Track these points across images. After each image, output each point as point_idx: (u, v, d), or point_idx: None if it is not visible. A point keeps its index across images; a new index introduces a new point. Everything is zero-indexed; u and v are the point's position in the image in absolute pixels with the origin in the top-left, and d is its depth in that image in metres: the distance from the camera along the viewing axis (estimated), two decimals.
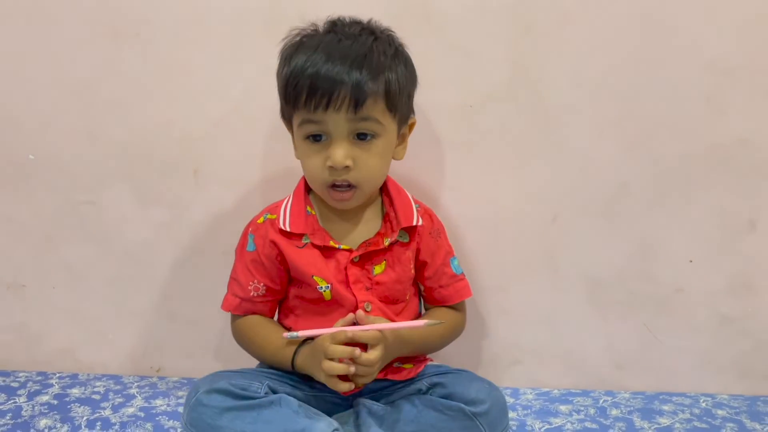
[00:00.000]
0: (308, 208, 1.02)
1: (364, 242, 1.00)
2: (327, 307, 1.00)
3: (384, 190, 1.05)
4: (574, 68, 1.17)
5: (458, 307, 1.09)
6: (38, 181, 1.23)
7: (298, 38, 0.97)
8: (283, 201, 1.04)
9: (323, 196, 0.98)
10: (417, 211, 1.03)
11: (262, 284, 1.02)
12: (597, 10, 1.15)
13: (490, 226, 1.22)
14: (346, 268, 0.99)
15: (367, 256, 1.00)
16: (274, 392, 0.93)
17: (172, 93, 1.20)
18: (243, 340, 1.05)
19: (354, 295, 0.99)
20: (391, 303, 1.03)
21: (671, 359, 1.24)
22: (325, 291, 0.99)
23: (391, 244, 1.01)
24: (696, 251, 1.21)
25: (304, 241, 0.99)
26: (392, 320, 1.00)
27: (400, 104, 0.95)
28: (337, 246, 0.99)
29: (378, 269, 1.01)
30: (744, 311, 1.22)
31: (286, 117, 0.99)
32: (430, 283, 1.07)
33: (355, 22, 0.98)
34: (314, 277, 0.98)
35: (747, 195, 1.20)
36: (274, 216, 1.01)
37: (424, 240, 1.04)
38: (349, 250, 1.00)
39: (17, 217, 1.25)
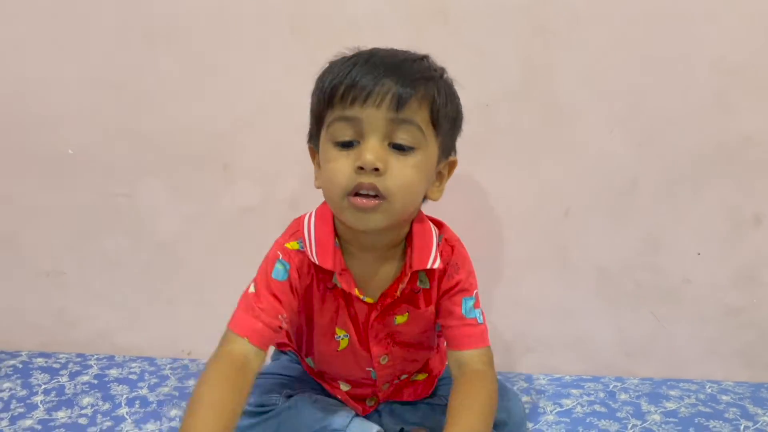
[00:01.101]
0: (336, 240, 0.88)
1: (382, 294, 0.90)
2: (340, 353, 0.93)
3: (409, 231, 0.91)
4: (585, 67, 1.22)
5: (469, 359, 0.90)
6: (76, 174, 1.30)
7: (339, 57, 0.85)
8: (303, 219, 0.92)
9: (341, 209, 0.82)
10: (437, 249, 0.90)
11: (286, 316, 0.87)
12: (608, 11, 1.19)
13: (504, 220, 1.28)
14: (366, 324, 0.91)
15: (388, 308, 0.91)
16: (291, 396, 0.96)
17: (202, 91, 1.27)
18: (216, 368, 0.80)
19: (370, 352, 0.93)
20: (415, 349, 0.97)
21: (678, 348, 1.29)
22: (342, 339, 0.92)
23: (406, 292, 0.90)
24: (703, 244, 1.26)
25: (334, 281, 0.89)
26: (410, 361, 0.97)
27: (444, 124, 0.83)
28: (361, 297, 0.89)
29: (400, 319, 0.92)
30: (749, 302, 1.27)
31: (315, 132, 0.87)
32: (441, 320, 0.94)
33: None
34: (336, 328, 0.92)
35: (753, 191, 1.24)
36: (299, 245, 0.89)
37: (443, 279, 0.92)
38: (371, 304, 0.90)
39: (57, 209, 1.32)
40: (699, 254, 1.26)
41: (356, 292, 0.87)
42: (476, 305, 0.92)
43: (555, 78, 1.22)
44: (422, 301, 0.92)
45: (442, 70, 0.86)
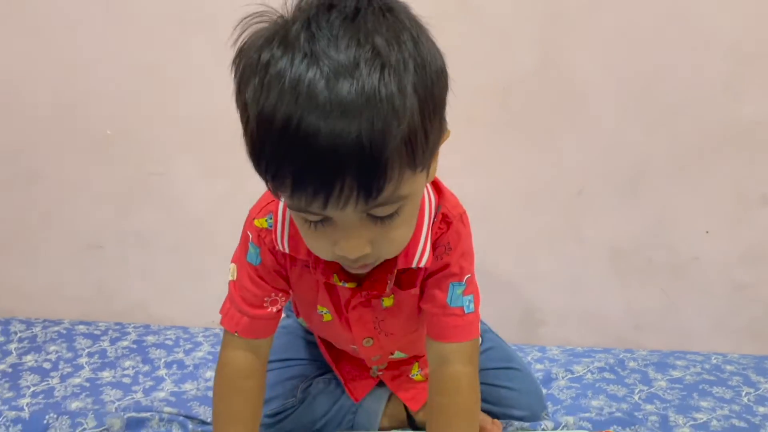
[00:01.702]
0: None
1: (368, 279, 0.78)
2: (326, 324, 0.88)
3: None
4: (600, 52, 1.26)
5: (450, 354, 0.79)
6: (114, 154, 1.38)
7: (258, 55, 0.62)
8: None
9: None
10: (427, 236, 0.77)
11: (281, 296, 0.82)
12: None
13: (520, 199, 1.34)
14: (346, 307, 0.83)
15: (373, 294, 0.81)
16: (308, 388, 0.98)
17: (231, 76, 1.33)
18: (220, 383, 0.82)
19: (351, 333, 0.86)
20: (406, 333, 0.89)
21: (687, 322, 1.34)
22: (325, 314, 0.86)
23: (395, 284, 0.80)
24: (712, 223, 1.31)
25: (315, 277, 0.80)
26: (398, 342, 0.90)
27: (428, 150, 0.62)
28: (340, 284, 0.79)
29: (387, 302, 0.83)
30: (756, 279, 1.32)
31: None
32: (422, 304, 0.82)
33: (340, 18, 0.58)
34: (318, 305, 0.86)
35: (761, 172, 1.29)
36: (273, 221, 0.79)
37: (431, 260, 0.78)
38: (353, 290, 0.80)
39: (96, 186, 1.40)
40: (708, 233, 1.31)
41: (335, 279, 0.78)
42: (466, 292, 0.79)
43: (571, 62, 1.27)
44: (407, 280, 0.80)
45: (402, 44, 0.58)
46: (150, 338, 1.30)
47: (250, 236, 0.80)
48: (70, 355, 1.21)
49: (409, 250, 0.74)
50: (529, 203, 1.34)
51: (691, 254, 1.32)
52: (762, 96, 1.26)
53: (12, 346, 1.24)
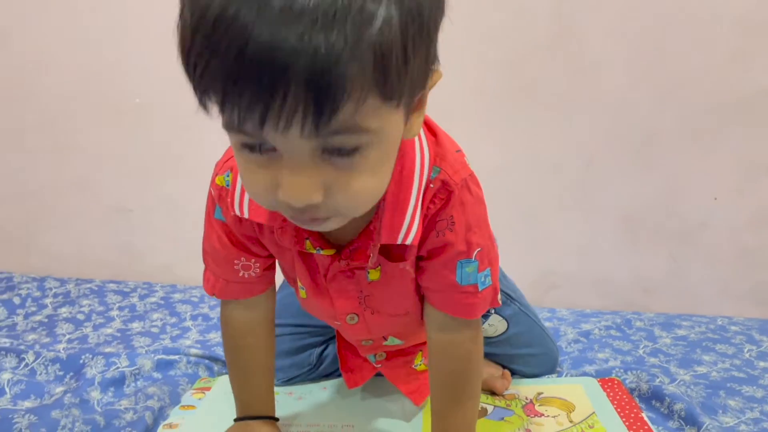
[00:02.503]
0: None
1: (348, 246, 0.68)
2: (305, 301, 0.78)
3: None
4: (611, 25, 1.30)
5: (452, 326, 0.72)
6: (143, 121, 1.44)
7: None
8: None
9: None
10: (415, 209, 0.64)
11: (254, 261, 0.73)
12: None
13: (533, 168, 1.38)
14: (326, 277, 0.71)
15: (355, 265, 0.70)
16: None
17: None
18: (226, 339, 0.80)
19: (333, 307, 0.75)
20: (392, 315, 0.77)
21: (694, 286, 1.38)
22: (301, 290, 0.76)
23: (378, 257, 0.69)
24: (720, 190, 1.35)
25: (281, 244, 0.70)
26: (386, 324, 0.79)
27: (405, 79, 0.49)
28: (314, 251, 0.68)
29: (373, 275, 0.71)
30: (763, 244, 1.35)
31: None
32: (425, 283, 0.72)
33: None
34: (297, 278, 0.75)
35: (767, 140, 1.32)
36: (232, 178, 0.68)
37: (428, 235, 0.67)
38: (331, 257, 0.69)
39: (124, 153, 1.46)
40: (716, 199, 1.35)
41: (308, 246, 0.68)
42: (480, 268, 0.68)
43: (582, 34, 1.31)
44: (396, 253, 0.69)
45: None
46: (176, 295, 1.37)
47: (213, 193, 0.70)
48: (101, 308, 1.28)
49: (394, 222, 0.64)
50: (542, 171, 1.38)
51: (699, 220, 1.36)
52: None
53: (47, 301, 1.31)
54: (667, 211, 1.37)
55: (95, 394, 0.92)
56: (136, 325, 1.21)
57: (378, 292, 0.72)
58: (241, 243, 0.72)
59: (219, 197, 0.69)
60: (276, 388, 0.85)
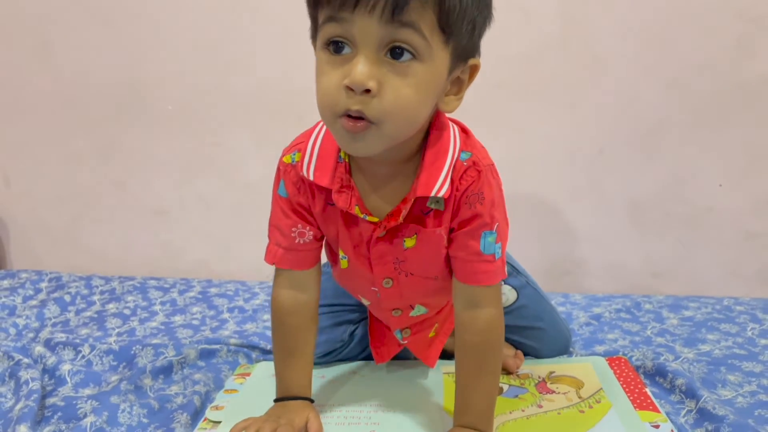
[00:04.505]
0: (341, 153, 0.80)
1: (389, 213, 0.81)
2: (344, 271, 0.89)
3: (425, 142, 0.79)
4: (618, 20, 1.37)
5: (479, 297, 0.82)
6: (176, 127, 1.54)
7: None
8: (314, 130, 0.84)
9: (334, 133, 0.72)
10: (449, 171, 0.77)
11: (307, 229, 0.85)
12: None
13: (545, 158, 1.45)
14: (369, 243, 0.83)
15: (394, 230, 0.81)
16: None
17: (279, 52, 1.47)
18: (274, 319, 0.90)
19: (372, 272, 0.86)
20: (423, 278, 0.87)
21: (701, 270, 1.45)
22: (342, 259, 0.87)
23: (422, 211, 0.80)
24: (725, 176, 1.41)
25: (337, 206, 0.81)
26: (418, 288, 0.89)
27: (457, 27, 0.67)
28: (361, 216, 0.80)
29: (409, 242, 0.82)
30: (767, 228, 1.41)
31: (312, 31, 0.74)
32: (453, 252, 0.83)
33: None
34: (339, 248, 0.86)
35: None
36: (296, 158, 0.82)
37: (461, 207, 0.79)
38: (375, 224, 0.81)
39: (160, 157, 1.56)
40: (721, 185, 1.41)
41: (356, 210, 0.79)
42: (497, 240, 0.80)
43: (591, 30, 1.38)
44: (431, 220, 0.81)
45: None
46: (213, 290, 1.47)
47: (280, 169, 0.85)
48: (145, 303, 1.39)
49: (429, 180, 0.76)
50: (554, 161, 1.46)
51: (706, 206, 1.42)
52: None
53: (95, 298, 1.42)
54: (675, 197, 1.43)
55: (147, 381, 1.01)
56: (178, 318, 1.31)
57: (412, 256, 0.83)
58: (298, 212, 0.84)
59: (284, 172, 0.83)
60: None
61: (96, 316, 1.32)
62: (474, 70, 0.75)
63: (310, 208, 0.84)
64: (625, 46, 1.38)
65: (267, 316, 1.31)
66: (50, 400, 0.96)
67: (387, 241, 0.82)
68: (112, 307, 1.37)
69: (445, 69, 0.70)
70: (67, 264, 1.61)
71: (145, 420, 0.91)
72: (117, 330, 1.25)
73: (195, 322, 1.29)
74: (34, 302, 1.36)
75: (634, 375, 1.02)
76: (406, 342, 0.99)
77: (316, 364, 0.94)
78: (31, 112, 1.57)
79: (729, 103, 1.38)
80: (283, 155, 0.84)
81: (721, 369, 1.05)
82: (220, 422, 0.90)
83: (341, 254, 0.86)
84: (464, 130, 0.83)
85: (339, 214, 0.82)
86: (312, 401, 0.91)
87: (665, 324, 1.24)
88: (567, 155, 1.45)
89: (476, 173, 0.78)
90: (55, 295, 1.40)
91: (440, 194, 0.76)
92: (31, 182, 1.62)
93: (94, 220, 1.62)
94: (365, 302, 0.96)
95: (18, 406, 0.91)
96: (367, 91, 0.66)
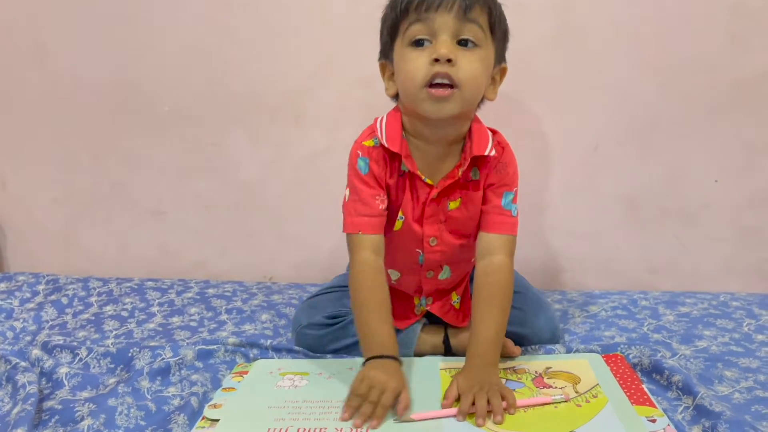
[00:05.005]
0: (403, 132, 1.04)
1: (442, 179, 1.04)
2: (395, 234, 1.07)
3: (468, 129, 1.05)
4: (612, 17, 1.37)
5: (495, 244, 1.04)
6: (172, 128, 1.54)
7: None
8: (375, 123, 1.06)
9: (418, 100, 0.97)
10: (492, 142, 1.04)
11: (384, 196, 1.04)
12: None
13: (541, 155, 1.46)
14: (424, 204, 1.05)
15: (444, 192, 1.04)
16: None
17: (274, 52, 1.47)
18: (361, 280, 1.02)
19: (422, 230, 1.06)
20: (461, 236, 1.08)
21: (698, 265, 1.46)
22: (399, 220, 1.06)
23: (466, 180, 1.04)
24: (720, 172, 1.41)
25: (402, 167, 1.03)
26: (455, 246, 1.08)
27: (498, 31, 0.99)
28: (423, 178, 1.03)
29: (453, 204, 1.05)
30: (763, 223, 1.42)
31: (389, 45, 1.01)
32: (482, 206, 1.07)
33: None
34: (400, 210, 1.05)
35: (766, 122, 1.38)
36: (378, 142, 1.04)
37: (491, 173, 1.06)
38: (431, 186, 1.03)
39: (157, 158, 1.56)
40: (716, 181, 1.41)
41: (418, 172, 1.02)
42: (514, 200, 1.06)
43: (585, 28, 1.38)
44: (472, 187, 1.05)
45: None
46: (211, 290, 1.47)
47: (360, 153, 1.04)
48: (143, 305, 1.39)
49: (480, 144, 1.02)
50: (550, 158, 1.46)
51: (702, 202, 1.43)
52: (766, 48, 1.35)
53: (93, 299, 1.42)
54: (671, 193, 1.44)
55: (145, 383, 1.01)
56: (175, 320, 1.31)
57: (456, 216, 1.06)
58: (378, 183, 1.04)
59: (367, 153, 1.04)
60: (307, 369, 1.05)
61: (93, 318, 1.32)
62: (503, 72, 1.05)
63: (386, 180, 1.04)
64: (620, 43, 1.38)
65: (265, 316, 1.31)
66: (47, 404, 0.96)
67: (437, 203, 1.05)
68: (109, 309, 1.37)
69: (492, 59, 0.99)
70: (64, 266, 1.61)
71: (142, 422, 0.91)
72: (114, 332, 1.25)
73: (193, 324, 1.29)
74: (31, 305, 1.36)
75: (630, 372, 1.02)
76: (428, 307, 1.15)
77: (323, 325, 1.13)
78: (26, 114, 1.57)
79: (724, 98, 1.38)
80: (360, 141, 1.05)
81: (718, 365, 1.05)
82: (218, 420, 0.91)
83: (400, 215, 1.06)
84: (492, 130, 1.07)
85: (406, 181, 1.04)
86: (400, 363, 0.96)
87: (662, 320, 1.25)
88: (562, 152, 1.45)
89: (501, 148, 1.06)
90: (52, 297, 1.40)
91: (492, 153, 1.03)
92: (27, 184, 1.62)
93: (91, 222, 1.62)
94: (394, 275, 1.13)
95: (15, 410, 0.91)
96: (449, 61, 0.93)
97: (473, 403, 0.89)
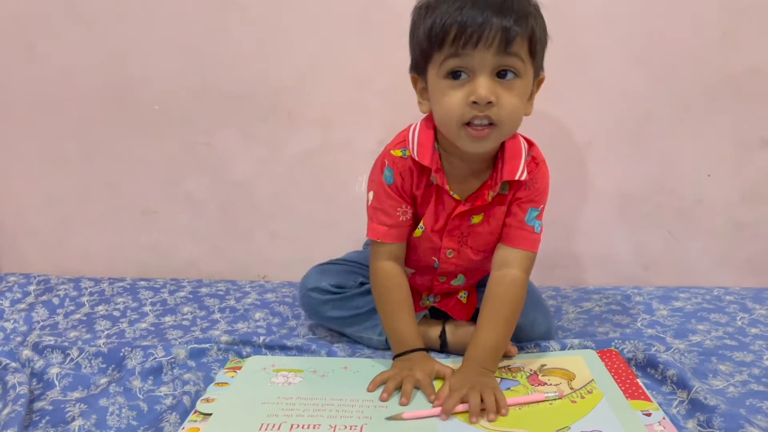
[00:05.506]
0: (435, 144, 1.01)
1: (471, 195, 1.02)
2: (414, 240, 1.07)
3: (501, 144, 1.01)
4: (604, 11, 1.37)
5: (512, 258, 1.03)
6: (163, 127, 1.52)
7: None
8: (408, 131, 1.04)
9: (456, 136, 0.94)
10: (525, 162, 1.01)
11: (408, 208, 1.04)
12: None
13: None
14: (448, 217, 1.03)
15: (469, 209, 1.03)
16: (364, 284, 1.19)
17: (266, 50, 1.46)
18: (378, 284, 1.07)
19: (441, 242, 1.06)
20: (479, 252, 1.07)
21: (692, 260, 1.45)
22: (419, 229, 1.05)
23: (494, 198, 1.02)
24: (713, 167, 1.41)
25: (431, 179, 1.01)
26: (472, 260, 1.08)
27: (538, 53, 0.94)
28: (450, 193, 1.01)
29: (476, 219, 1.04)
30: (756, 217, 1.42)
31: (421, 65, 0.96)
32: (506, 220, 1.05)
33: None
34: (421, 221, 1.05)
35: (759, 116, 1.39)
36: (407, 153, 1.02)
37: (520, 188, 1.03)
38: (458, 201, 1.02)
39: (148, 157, 1.55)
40: (709, 176, 1.41)
41: (447, 187, 1.01)
42: (539, 217, 1.04)
43: (577, 22, 1.37)
44: (497, 202, 1.03)
45: (536, 4, 0.95)
46: (203, 290, 1.46)
47: (386, 162, 1.03)
48: (135, 304, 1.38)
49: (512, 167, 0.99)
50: (543, 154, 1.44)
51: (695, 197, 1.43)
52: (758, 44, 1.35)
53: (84, 299, 1.41)
54: (664, 188, 1.43)
55: (137, 383, 1.01)
56: (168, 319, 1.30)
57: (476, 231, 1.05)
58: (401, 195, 1.03)
59: (393, 162, 1.02)
60: (301, 366, 1.05)
61: (85, 318, 1.31)
62: (541, 82, 1.01)
63: (412, 191, 1.03)
64: (612, 39, 1.38)
65: (259, 315, 1.31)
66: (38, 404, 0.95)
67: (460, 218, 1.04)
68: (101, 309, 1.36)
69: (531, 82, 0.96)
70: (56, 266, 1.60)
71: (134, 422, 0.91)
72: (106, 332, 1.24)
73: (186, 323, 1.28)
74: (22, 305, 1.35)
75: (625, 367, 1.02)
76: (435, 303, 1.16)
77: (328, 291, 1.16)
78: (16, 114, 1.55)
79: (716, 94, 1.38)
80: (389, 149, 1.04)
81: (712, 359, 1.05)
82: (210, 414, 0.90)
83: (420, 225, 1.05)
84: (527, 139, 1.05)
85: (433, 193, 1.03)
86: (428, 351, 1.03)
87: (655, 315, 1.25)
88: (556, 148, 1.43)
89: (535, 165, 1.03)
90: (44, 298, 1.39)
91: (522, 177, 1.00)
92: (18, 184, 1.60)
93: (83, 222, 1.60)
94: (409, 271, 1.12)
95: (5, 411, 0.90)
96: (489, 103, 0.89)
97: (461, 403, 0.90)
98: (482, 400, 0.89)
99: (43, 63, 1.51)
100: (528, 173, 1.01)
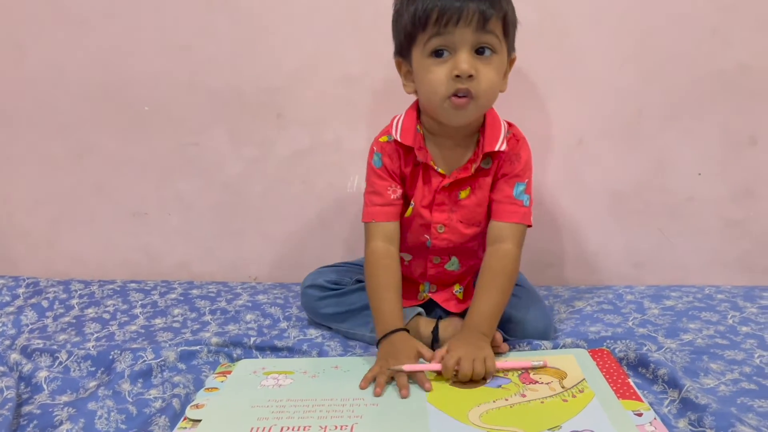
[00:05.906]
0: (418, 127, 1.10)
1: (455, 169, 1.10)
2: (406, 220, 1.14)
3: (482, 122, 1.10)
4: (595, 9, 1.37)
5: (505, 232, 1.09)
6: (153, 127, 1.52)
7: None
8: (393, 121, 1.13)
9: (440, 109, 1.03)
10: (505, 136, 1.09)
11: (398, 187, 1.12)
12: None
13: None
14: (435, 191, 1.11)
15: (456, 183, 1.10)
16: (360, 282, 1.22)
17: (256, 50, 1.46)
18: (369, 266, 1.11)
19: (431, 216, 1.12)
20: (470, 225, 1.13)
21: (683, 258, 1.45)
22: (410, 207, 1.13)
23: (477, 171, 1.09)
24: (704, 165, 1.41)
25: (418, 159, 1.09)
26: (463, 235, 1.14)
27: (511, 33, 1.04)
28: (435, 168, 1.09)
29: (463, 194, 1.11)
30: (746, 215, 1.42)
31: (406, 49, 1.05)
32: (492, 196, 1.12)
33: None
34: (411, 200, 1.13)
35: (749, 114, 1.38)
36: (392, 138, 1.10)
37: (504, 164, 1.10)
38: (443, 176, 1.10)
39: (138, 158, 1.54)
40: (700, 174, 1.41)
41: (431, 163, 1.09)
42: (527, 191, 1.11)
43: (567, 20, 1.37)
44: (481, 175, 1.10)
45: None
46: (194, 291, 1.45)
47: (375, 149, 1.13)
48: (125, 307, 1.37)
49: (492, 139, 1.07)
50: (534, 153, 1.44)
51: (686, 195, 1.43)
52: (747, 41, 1.35)
53: (74, 302, 1.40)
54: (655, 187, 1.43)
55: (126, 386, 1.00)
56: (158, 321, 1.29)
57: (466, 204, 1.12)
58: (390, 175, 1.11)
59: (382, 148, 1.12)
60: (292, 368, 1.05)
61: (74, 321, 1.30)
62: (512, 62, 1.09)
63: (401, 170, 1.12)
64: (602, 36, 1.38)
65: (250, 317, 1.30)
66: (26, 408, 0.94)
67: (447, 192, 1.11)
68: (91, 311, 1.35)
69: (505, 59, 1.05)
70: (45, 269, 1.59)
71: (123, 426, 0.90)
72: (96, 335, 1.23)
73: (176, 325, 1.27)
74: (10, 308, 1.34)
75: (616, 366, 1.01)
76: (431, 294, 1.20)
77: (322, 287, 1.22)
78: (4, 115, 1.54)
79: (706, 91, 1.38)
80: (377, 138, 1.13)
81: (704, 358, 1.05)
82: (200, 421, 0.89)
83: (411, 203, 1.12)
84: (507, 121, 1.13)
85: (420, 171, 1.11)
86: (408, 331, 1.06)
87: (647, 314, 1.24)
88: (546, 146, 1.44)
89: (516, 141, 1.11)
90: (33, 300, 1.38)
91: (502, 148, 1.07)
92: (6, 186, 1.59)
93: (72, 224, 1.59)
94: (407, 258, 1.19)
95: None
96: (470, 76, 0.98)
97: (458, 363, 0.97)
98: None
99: (31, 63, 1.50)
100: (509, 147, 1.09)
